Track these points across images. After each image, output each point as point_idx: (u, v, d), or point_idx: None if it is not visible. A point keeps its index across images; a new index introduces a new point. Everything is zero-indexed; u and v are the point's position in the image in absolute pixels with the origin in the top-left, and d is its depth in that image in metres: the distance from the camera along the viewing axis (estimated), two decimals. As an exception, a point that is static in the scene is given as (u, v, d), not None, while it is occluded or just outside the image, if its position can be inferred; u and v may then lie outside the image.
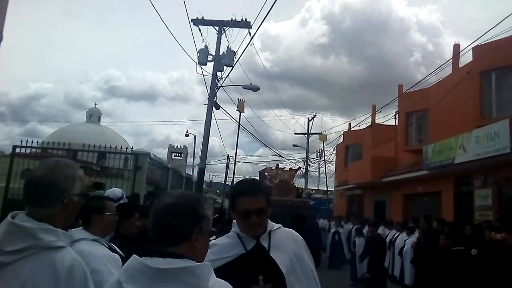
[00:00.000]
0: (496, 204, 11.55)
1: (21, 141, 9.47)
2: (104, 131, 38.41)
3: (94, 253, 2.38)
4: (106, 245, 2.61)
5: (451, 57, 15.36)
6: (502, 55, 11.61)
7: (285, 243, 2.07)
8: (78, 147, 10.04)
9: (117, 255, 2.56)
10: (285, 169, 17.80)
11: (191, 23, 13.28)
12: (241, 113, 17.09)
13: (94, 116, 43.14)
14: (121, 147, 9.87)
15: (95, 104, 55.23)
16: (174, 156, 49.93)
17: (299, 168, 20.55)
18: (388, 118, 35.24)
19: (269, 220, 2.12)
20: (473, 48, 13.25)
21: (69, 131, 34.19)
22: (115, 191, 5.19)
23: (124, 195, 5.49)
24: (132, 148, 10.29)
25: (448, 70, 15.30)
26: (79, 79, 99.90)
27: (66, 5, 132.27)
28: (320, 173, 32.97)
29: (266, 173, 18.21)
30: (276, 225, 2.15)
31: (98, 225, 2.60)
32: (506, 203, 11.48)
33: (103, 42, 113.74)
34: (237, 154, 22.39)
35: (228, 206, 2.64)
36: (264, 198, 2.03)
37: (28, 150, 9.78)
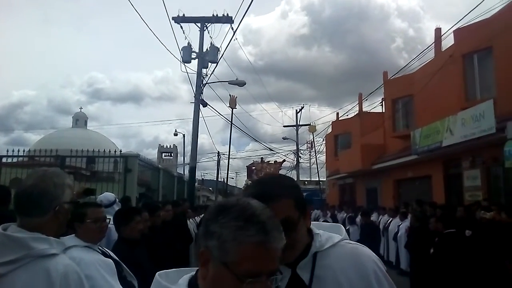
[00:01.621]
0: (485, 184, 11.74)
1: (7, 151, 9.36)
2: (91, 135, 38.00)
3: (85, 259, 2.40)
4: (99, 251, 2.62)
5: (433, 41, 15.48)
6: (483, 37, 11.71)
7: (340, 272, 1.31)
8: (66, 153, 9.93)
9: (110, 260, 2.56)
10: (270, 162, 18.00)
11: (172, 21, 13.19)
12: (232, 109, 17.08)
13: (80, 120, 42.68)
14: (110, 151, 9.80)
15: (81, 108, 54.78)
16: (165, 156, 49.77)
17: (284, 160, 20.75)
18: (375, 105, 35.51)
19: (321, 233, 1.40)
20: (454, 32, 13.37)
21: (55, 137, 33.77)
22: (107, 196, 5.18)
23: (117, 199, 5.46)
24: (121, 151, 10.21)
25: (431, 55, 15.45)
26: (62, 84, 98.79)
27: (44, 11, 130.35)
28: (311, 164, 33.18)
29: (253, 167, 18.41)
30: (333, 239, 1.38)
31: (82, 233, 2.62)
32: (494, 183, 11.68)
33: (84, 45, 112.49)
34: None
35: None
36: (292, 203, 1.31)
37: (15, 159, 9.66)
